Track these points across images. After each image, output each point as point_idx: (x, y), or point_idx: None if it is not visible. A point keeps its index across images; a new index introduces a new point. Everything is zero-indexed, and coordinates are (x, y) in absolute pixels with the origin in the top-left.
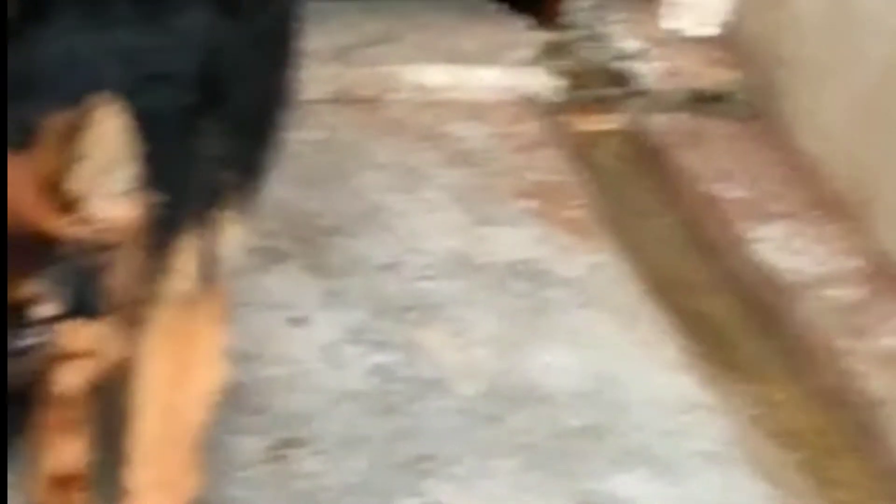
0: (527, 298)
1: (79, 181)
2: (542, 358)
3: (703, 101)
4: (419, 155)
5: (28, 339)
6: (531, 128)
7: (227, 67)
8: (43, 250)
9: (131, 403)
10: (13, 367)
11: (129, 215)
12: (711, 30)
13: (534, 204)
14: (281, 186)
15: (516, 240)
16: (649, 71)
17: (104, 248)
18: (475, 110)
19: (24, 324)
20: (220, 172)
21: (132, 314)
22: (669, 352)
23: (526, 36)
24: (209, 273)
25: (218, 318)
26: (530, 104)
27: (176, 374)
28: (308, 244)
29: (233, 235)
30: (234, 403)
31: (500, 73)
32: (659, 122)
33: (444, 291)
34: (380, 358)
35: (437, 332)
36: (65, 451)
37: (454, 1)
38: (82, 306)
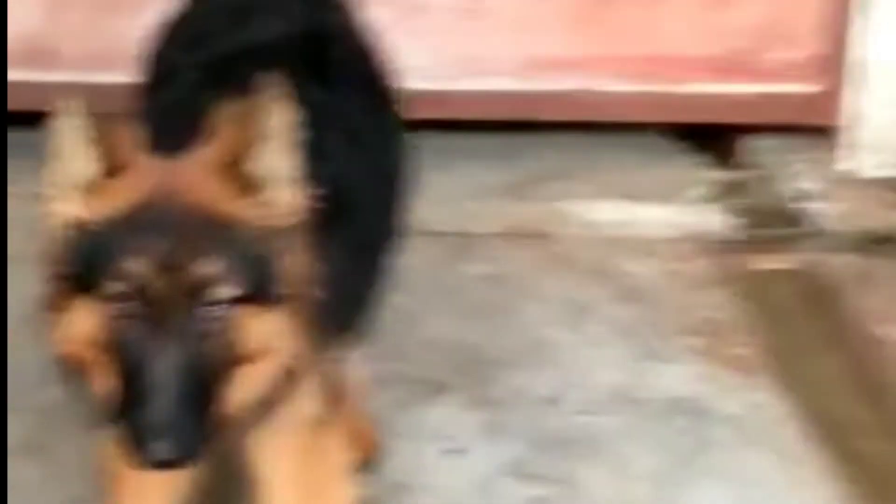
0: (687, 435)
1: (257, 164)
2: (702, 496)
3: (877, 243)
4: (586, 290)
5: (208, 319)
6: (701, 265)
7: (352, 193)
8: (221, 232)
9: None
10: (197, 346)
11: (299, 201)
12: (887, 171)
13: (699, 341)
14: (445, 319)
15: (679, 376)
16: (824, 211)
17: (279, 232)
18: (646, 247)
19: (205, 303)
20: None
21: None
22: (830, 494)
23: (701, 174)
24: (335, 395)
25: (345, 439)
26: (701, 242)
27: (306, 496)
28: (470, 376)
29: (354, 359)
30: None
31: (673, 211)
32: (831, 263)
33: (604, 426)
34: (536, 491)
35: (596, 467)
36: None
37: (628, 138)
38: (259, 290)
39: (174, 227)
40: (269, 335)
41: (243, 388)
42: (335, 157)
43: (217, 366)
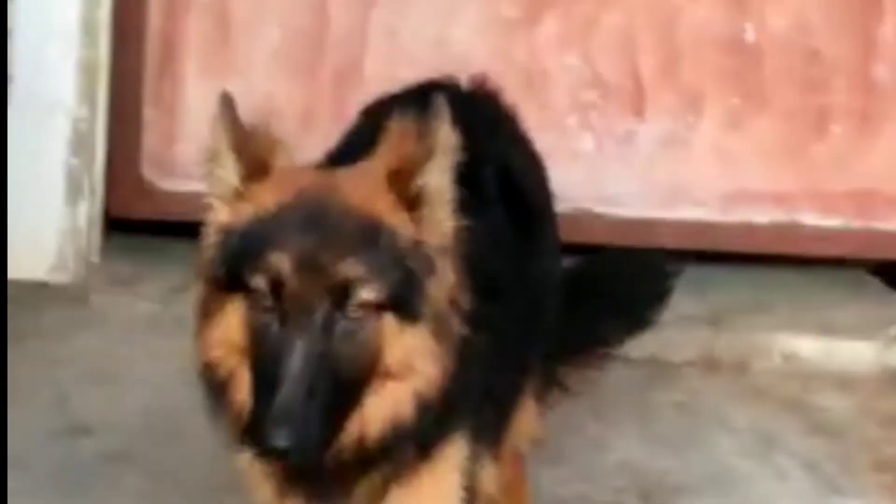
0: None
1: (423, 180)
2: None
3: None
4: (777, 422)
5: (346, 320)
6: None
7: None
8: (370, 235)
9: None
10: (332, 344)
11: (455, 226)
12: None
13: (889, 478)
14: (635, 444)
15: None
16: None
17: (432, 251)
18: (842, 382)
19: (344, 303)
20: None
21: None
22: None
23: None
24: (473, 500)
25: None
26: None
27: None
28: (651, 501)
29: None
30: None
31: (872, 347)
32: None
33: None
34: None
35: None
36: None
37: (829, 273)
38: (403, 303)
39: (321, 225)
40: (408, 352)
41: (377, 406)
42: (487, 264)
43: (351, 369)
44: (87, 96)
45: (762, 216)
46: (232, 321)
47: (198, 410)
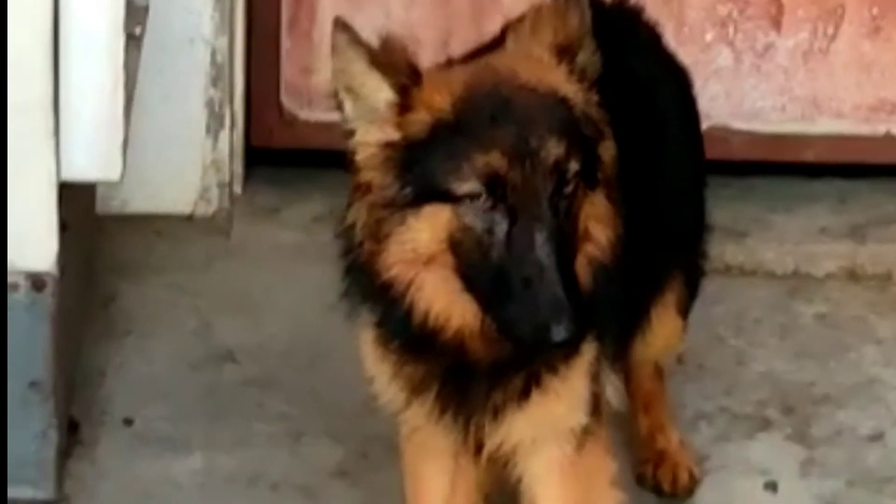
0: None
1: (585, 53)
2: None
3: None
4: None
5: (566, 195)
6: None
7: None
8: (560, 109)
9: None
10: (562, 226)
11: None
12: None
13: None
14: (777, 357)
15: None
16: None
17: (597, 119)
18: None
19: (561, 183)
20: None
21: None
22: None
23: None
24: (598, 407)
25: (608, 452)
26: None
27: None
28: (795, 414)
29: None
30: None
31: None
32: None
33: None
34: None
35: None
36: None
37: None
38: (588, 170)
39: (514, 111)
40: (590, 216)
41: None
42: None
43: (574, 245)
44: (225, 27)
45: None
46: (421, 235)
47: (339, 336)
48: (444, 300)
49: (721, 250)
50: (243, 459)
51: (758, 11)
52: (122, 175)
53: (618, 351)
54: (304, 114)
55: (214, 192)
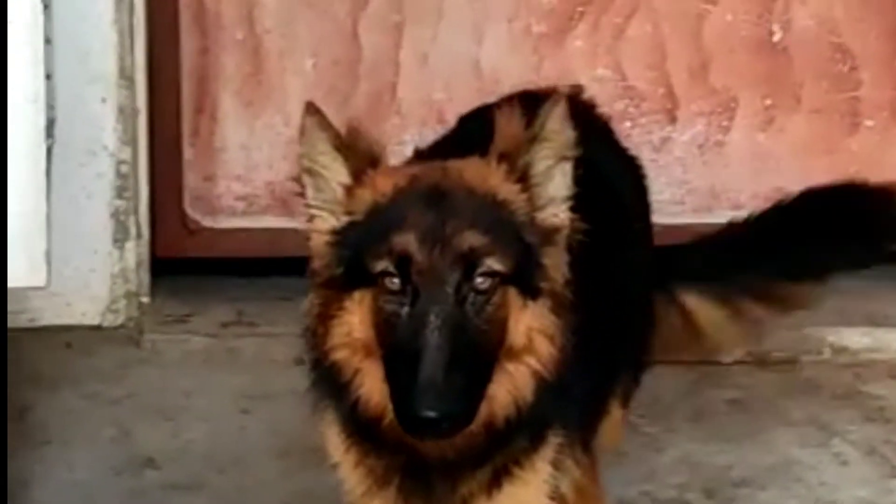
0: None
1: (533, 160)
2: None
3: None
4: (834, 413)
5: (476, 291)
6: None
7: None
8: (490, 209)
9: None
10: (466, 316)
11: (564, 220)
12: None
13: None
14: (693, 443)
15: None
16: None
17: (547, 228)
18: (893, 370)
19: (472, 274)
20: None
21: None
22: None
23: None
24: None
25: None
26: None
27: None
28: (717, 497)
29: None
30: None
31: None
32: None
33: None
34: None
35: None
36: None
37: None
38: (524, 276)
39: (441, 202)
40: (530, 328)
41: (502, 388)
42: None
43: (483, 343)
44: (129, 138)
45: None
46: (354, 318)
47: (258, 438)
48: (380, 392)
49: None
50: None
51: (653, 106)
52: (48, 282)
53: (586, 440)
54: (208, 221)
55: (122, 303)
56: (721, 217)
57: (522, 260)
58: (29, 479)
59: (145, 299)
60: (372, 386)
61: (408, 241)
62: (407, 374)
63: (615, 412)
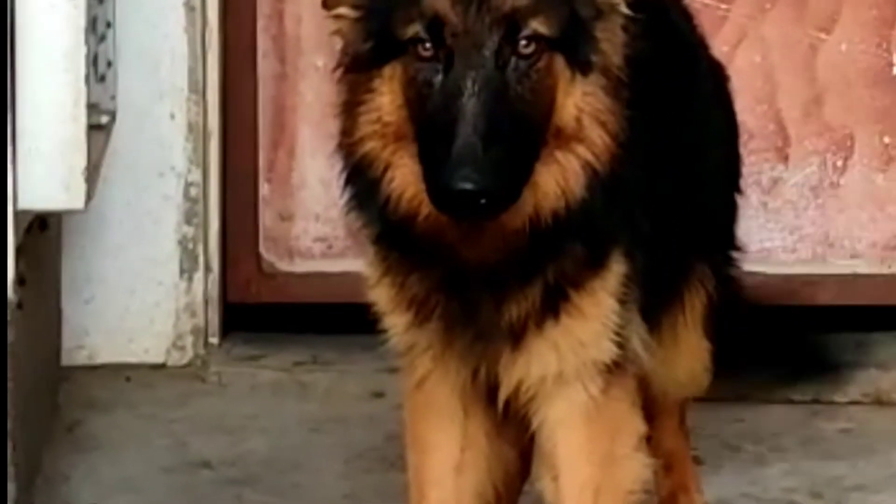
0: None
1: None
2: None
3: None
4: None
5: (522, 54)
6: None
7: None
8: None
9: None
10: (506, 82)
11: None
12: None
13: None
14: (804, 459)
15: None
16: None
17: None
18: None
19: (514, 37)
20: None
21: None
22: None
23: None
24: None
25: (635, 408)
26: None
27: (596, 470)
28: (824, 497)
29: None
30: None
31: None
32: None
33: None
34: None
35: None
36: None
37: None
38: (572, 44)
39: None
40: (580, 108)
41: (549, 178)
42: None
43: (526, 115)
44: (199, 159)
45: None
46: (384, 99)
47: (324, 448)
48: (414, 185)
49: None
50: None
51: (762, 144)
52: (87, 203)
53: (650, 315)
54: (284, 265)
55: (189, 339)
56: (835, 267)
57: (571, 27)
58: (70, 475)
59: (214, 339)
60: (405, 178)
61: (439, 2)
62: (442, 148)
63: (697, 342)
